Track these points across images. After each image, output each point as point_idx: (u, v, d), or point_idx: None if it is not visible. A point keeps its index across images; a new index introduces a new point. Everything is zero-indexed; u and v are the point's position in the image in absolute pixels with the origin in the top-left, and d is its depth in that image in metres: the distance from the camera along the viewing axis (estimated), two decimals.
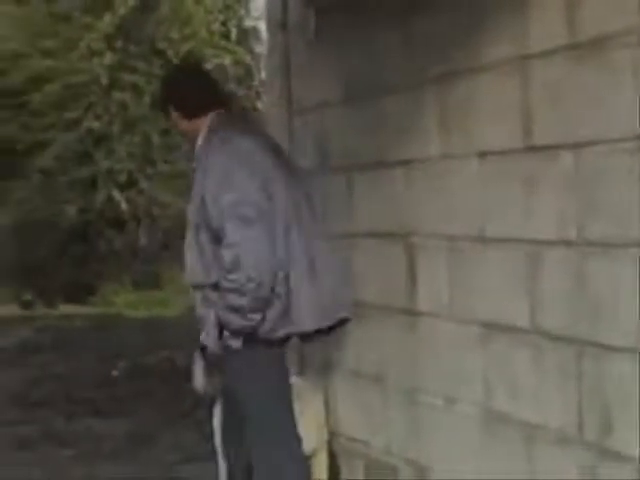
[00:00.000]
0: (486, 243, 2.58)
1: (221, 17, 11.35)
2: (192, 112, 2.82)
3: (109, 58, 10.20)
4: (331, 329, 2.80)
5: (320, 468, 3.40)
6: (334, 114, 3.37)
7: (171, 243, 10.33)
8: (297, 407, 3.21)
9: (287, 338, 2.76)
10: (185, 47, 10.67)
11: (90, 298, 10.39)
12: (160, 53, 10.62)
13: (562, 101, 2.27)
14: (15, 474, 4.37)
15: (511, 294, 2.47)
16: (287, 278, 2.66)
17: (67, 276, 10.23)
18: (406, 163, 2.96)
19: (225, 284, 2.61)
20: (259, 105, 11.95)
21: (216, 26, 11.14)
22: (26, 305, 10.21)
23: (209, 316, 2.71)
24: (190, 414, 5.02)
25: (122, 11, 10.21)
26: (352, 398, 3.28)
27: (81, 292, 10.32)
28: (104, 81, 10.13)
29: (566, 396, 2.29)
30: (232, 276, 2.58)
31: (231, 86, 11.17)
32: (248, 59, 11.56)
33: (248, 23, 11.83)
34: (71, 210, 9.87)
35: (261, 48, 11.67)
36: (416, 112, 2.88)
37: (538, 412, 2.38)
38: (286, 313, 2.68)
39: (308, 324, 2.72)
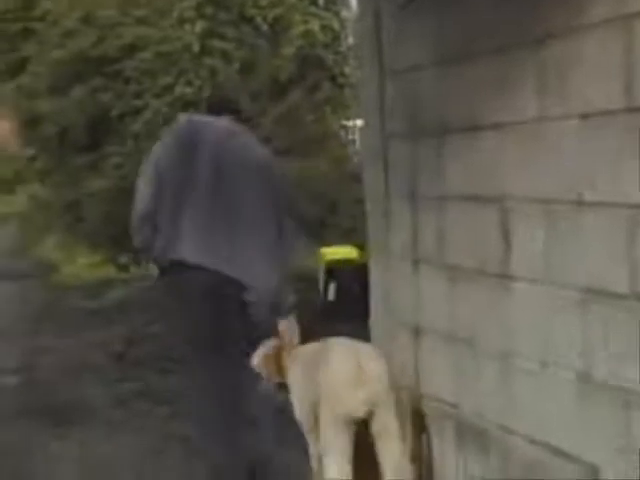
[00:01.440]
0: (584, 207, 2.53)
1: None
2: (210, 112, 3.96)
3: (200, 26, 10.33)
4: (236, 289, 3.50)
5: (387, 432, 3.28)
6: (426, 77, 3.34)
7: None
8: (358, 371, 3.24)
9: (183, 271, 3.53)
10: (273, 13, 10.72)
11: None
12: (249, 20, 10.70)
13: None
14: (112, 431, 4.56)
15: (609, 259, 2.42)
16: (175, 220, 3.53)
17: None
18: (500, 126, 2.91)
19: None
20: (346, 70, 11.93)
21: None
22: (122, 267, 10.53)
23: None
24: None
25: None
26: (444, 361, 3.29)
27: None
28: (195, 48, 10.28)
29: None
30: None
31: (319, 51, 11.18)
32: (336, 24, 11.53)
33: None
34: None
35: (348, 13, 11.61)
36: (512, 74, 2.83)
37: (635, 379, 2.35)
38: (171, 242, 3.55)
39: (188, 256, 3.52)
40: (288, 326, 3.58)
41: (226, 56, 10.38)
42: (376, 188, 3.76)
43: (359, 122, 12.22)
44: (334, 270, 7.16)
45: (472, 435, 3.11)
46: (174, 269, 3.58)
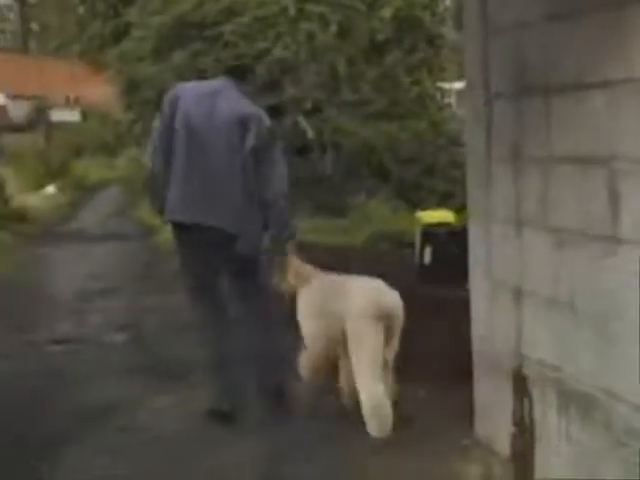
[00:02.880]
0: None
1: None
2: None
3: None
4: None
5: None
6: (532, 33, 3.26)
7: (355, 171, 10.42)
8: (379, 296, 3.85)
9: (190, 230, 3.98)
10: None
11: None
12: None
13: None
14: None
15: None
16: (167, 183, 4.00)
17: None
18: (609, 84, 2.83)
19: None
20: (443, 31, 11.73)
21: None
22: None
23: None
24: None
25: None
26: (546, 324, 3.24)
27: None
28: (291, 12, 10.27)
29: None
30: None
31: (417, 12, 11.02)
32: None
33: None
34: None
35: None
36: (621, 31, 2.74)
37: None
38: (165, 203, 4.03)
39: (178, 216, 4.02)
40: (292, 249, 4.14)
41: (323, 19, 10.34)
42: (478, 150, 3.71)
43: (456, 85, 12.04)
44: (430, 234, 7.12)
45: (575, 399, 3.07)
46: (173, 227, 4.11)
